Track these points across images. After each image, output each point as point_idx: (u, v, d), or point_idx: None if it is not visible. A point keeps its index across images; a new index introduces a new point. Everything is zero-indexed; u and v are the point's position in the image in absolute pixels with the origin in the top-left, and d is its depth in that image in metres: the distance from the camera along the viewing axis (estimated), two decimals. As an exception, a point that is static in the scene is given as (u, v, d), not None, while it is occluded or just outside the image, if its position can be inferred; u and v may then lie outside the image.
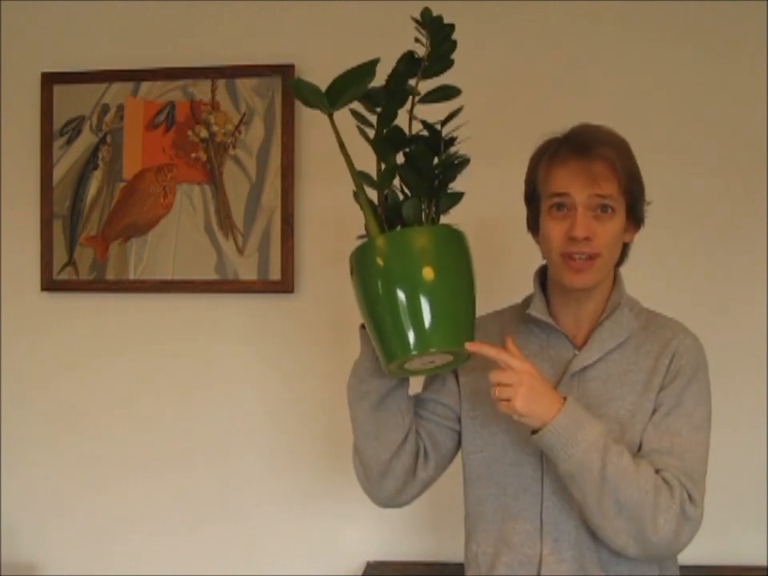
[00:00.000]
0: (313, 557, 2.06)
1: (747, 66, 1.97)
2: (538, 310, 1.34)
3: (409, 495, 1.38)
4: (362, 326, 1.29)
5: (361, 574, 2.00)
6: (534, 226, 1.37)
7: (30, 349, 2.16)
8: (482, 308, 1.29)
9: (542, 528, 1.27)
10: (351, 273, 1.23)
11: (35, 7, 2.17)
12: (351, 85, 1.16)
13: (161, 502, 2.10)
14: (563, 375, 1.31)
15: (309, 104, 1.22)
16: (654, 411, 1.28)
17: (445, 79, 1.27)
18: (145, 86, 2.13)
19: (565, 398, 1.20)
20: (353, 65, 1.25)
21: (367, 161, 1.25)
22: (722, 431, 1.94)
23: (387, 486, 1.34)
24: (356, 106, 1.25)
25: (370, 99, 1.22)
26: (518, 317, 1.39)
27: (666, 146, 1.99)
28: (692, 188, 1.98)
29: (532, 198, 1.35)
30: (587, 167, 1.25)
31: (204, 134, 2.11)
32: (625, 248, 1.37)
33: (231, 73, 2.09)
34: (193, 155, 2.11)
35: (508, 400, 1.18)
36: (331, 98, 1.18)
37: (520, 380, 1.17)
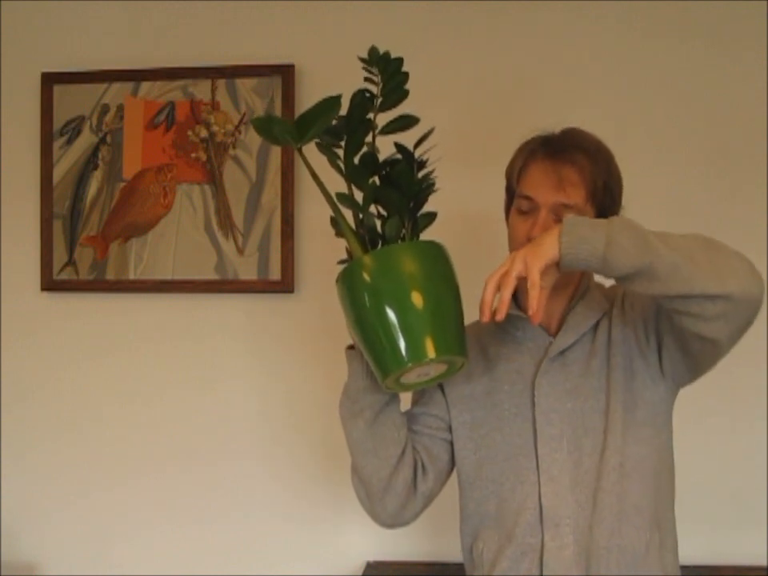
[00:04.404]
0: (313, 557, 2.06)
1: (747, 65, 1.97)
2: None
3: (411, 512, 1.39)
4: (348, 348, 1.32)
5: (361, 574, 2.00)
6: (509, 214, 1.39)
7: (30, 349, 2.16)
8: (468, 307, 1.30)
9: (542, 515, 1.28)
10: (339, 295, 1.24)
11: (35, 7, 2.17)
12: (318, 118, 1.19)
13: (161, 502, 2.10)
14: (542, 361, 1.33)
15: (276, 141, 1.24)
16: (647, 338, 1.30)
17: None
18: (145, 85, 2.13)
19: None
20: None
21: (344, 186, 1.28)
22: (722, 431, 1.96)
23: (390, 502, 1.35)
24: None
25: (332, 133, 1.26)
26: (492, 321, 1.41)
27: (665, 146, 1.99)
28: (691, 187, 1.98)
29: (508, 190, 1.39)
30: (557, 170, 1.28)
31: (204, 133, 2.11)
32: None
33: (231, 73, 2.09)
34: (193, 155, 2.11)
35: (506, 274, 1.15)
36: (300, 132, 1.20)
37: (510, 257, 1.17)
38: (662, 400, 1.32)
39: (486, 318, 1.17)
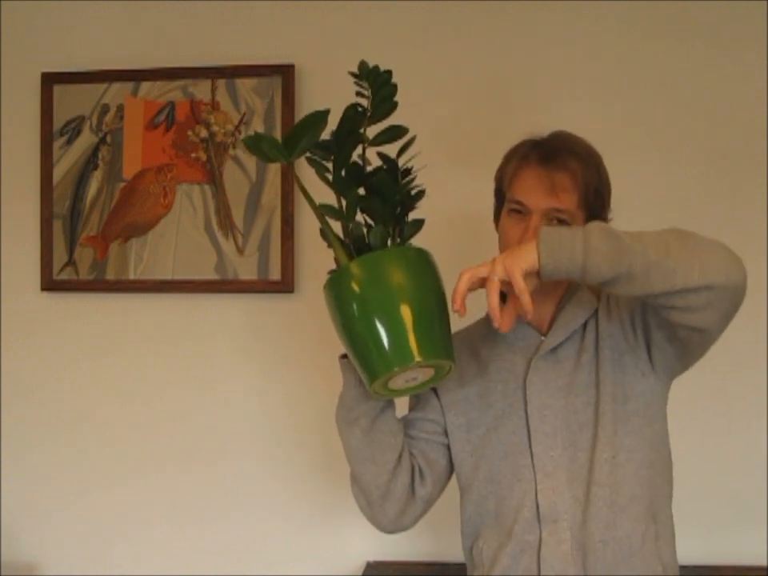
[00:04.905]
0: (313, 557, 2.06)
1: (747, 65, 1.97)
2: None
3: (411, 517, 1.39)
4: (341, 357, 1.33)
5: (361, 574, 2.00)
6: (498, 218, 1.39)
7: (30, 349, 2.16)
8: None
9: (539, 512, 1.28)
10: (326, 302, 1.25)
11: (35, 7, 2.17)
12: (306, 133, 1.21)
13: (161, 502, 2.10)
14: (533, 358, 1.34)
15: (267, 158, 1.25)
16: (634, 328, 1.31)
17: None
18: (145, 85, 2.13)
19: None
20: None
21: (334, 197, 1.28)
22: (720, 431, 1.96)
23: (390, 508, 1.36)
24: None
25: (322, 149, 1.27)
26: (484, 325, 1.43)
27: (665, 146, 1.99)
28: (691, 188, 1.98)
29: (498, 194, 1.39)
30: (549, 176, 1.29)
31: (204, 134, 2.11)
32: None
33: (231, 73, 2.09)
34: (193, 155, 2.11)
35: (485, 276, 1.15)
36: (289, 148, 1.22)
37: (490, 261, 1.16)
38: (653, 392, 1.32)
39: (458, 306, 1.15)
